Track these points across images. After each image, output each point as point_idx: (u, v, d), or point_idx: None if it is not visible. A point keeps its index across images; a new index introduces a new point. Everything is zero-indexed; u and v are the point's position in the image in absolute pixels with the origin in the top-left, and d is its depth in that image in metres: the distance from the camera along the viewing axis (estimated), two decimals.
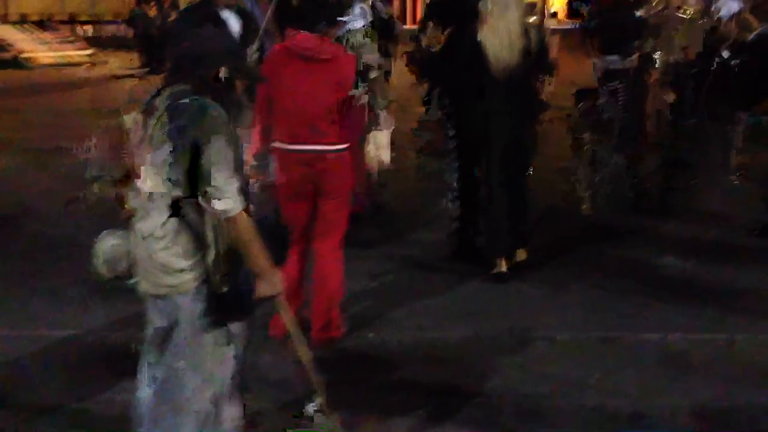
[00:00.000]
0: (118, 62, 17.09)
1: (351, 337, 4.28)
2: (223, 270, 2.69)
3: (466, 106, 5.16)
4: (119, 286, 4.78)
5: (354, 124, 4.63)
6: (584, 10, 23.19)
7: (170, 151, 2.58)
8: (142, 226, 2.71)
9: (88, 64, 18.30)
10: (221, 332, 2.75)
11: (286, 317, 2.96)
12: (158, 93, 2.70)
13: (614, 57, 6.61)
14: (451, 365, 4.04)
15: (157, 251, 2.68)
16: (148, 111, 2.68)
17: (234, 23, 4.61)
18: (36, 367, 3.96)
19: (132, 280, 4.95)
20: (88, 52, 19.59)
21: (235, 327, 2.81)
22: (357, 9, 5.45)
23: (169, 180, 2.60)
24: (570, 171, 6.83)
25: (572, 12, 31.07)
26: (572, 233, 6.02)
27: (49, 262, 5.40)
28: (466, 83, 5.02)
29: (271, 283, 2.75)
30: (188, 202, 2.63)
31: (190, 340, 2.71)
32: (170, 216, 2.63)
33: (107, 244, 5.06)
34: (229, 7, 4.56)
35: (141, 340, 2.89)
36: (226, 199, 2.57)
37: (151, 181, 2.63)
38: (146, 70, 16.05)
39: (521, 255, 5.27)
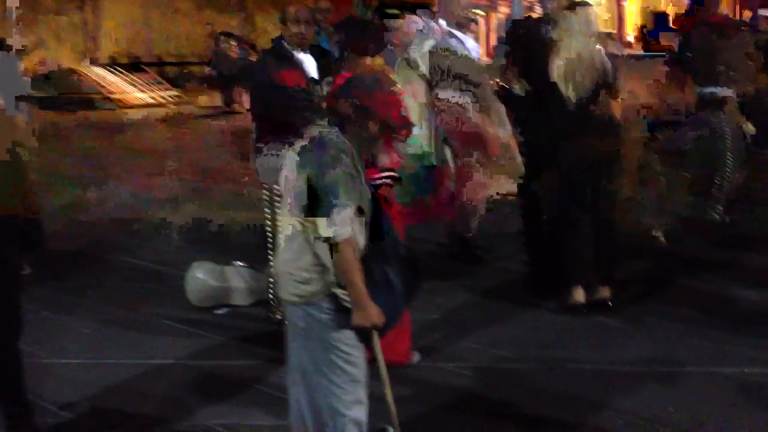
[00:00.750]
0: (202, 102, 17.70)
1: (426, 367, 4.38)
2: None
3: (541, 137, 5.22)
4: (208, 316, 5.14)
5: None
6: (667, 38, 22.77)
7: (297, 177, 2.90)
8: (281, 241, 3.07)
9: (173, 104, 19.02)
10: (346, 336, 2.96)
11: (377, 350, 3.07)
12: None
13: (714, 88, 6.43)
14: (527, 395, 4.10)
15: (287, 262, 2.98)
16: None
17: (310, 61, 4.86)
18: (135, 394, 4.20)
19: (221, 310, 5.26)
20: (173, 93, 20.38)
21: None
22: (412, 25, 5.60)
23: (297, 203, 2.91)
24: (640, 202, 6.78)
25: (646, 40, 30.77)
26: (646, 265, 6.00)
27: (141, 293, 5.67)
28: (541, 116, 5.11)
29: (365, 315, 2.90)
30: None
31: (317, 343, 2.96)
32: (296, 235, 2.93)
33: (195, 276, 5.39)
34: (301, 46, 4.81)
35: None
36: (333, 226, 2.79)
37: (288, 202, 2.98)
38: (226, 108, 16.65)
39: (604, 292, 5.11)
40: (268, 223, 4.83)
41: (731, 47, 6.57)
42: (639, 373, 4.30)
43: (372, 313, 2.91)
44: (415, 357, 4.42)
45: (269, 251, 4.82)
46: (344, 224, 2.80)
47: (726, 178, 6.48)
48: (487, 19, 26.73)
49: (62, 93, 22.00)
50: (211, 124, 15.97)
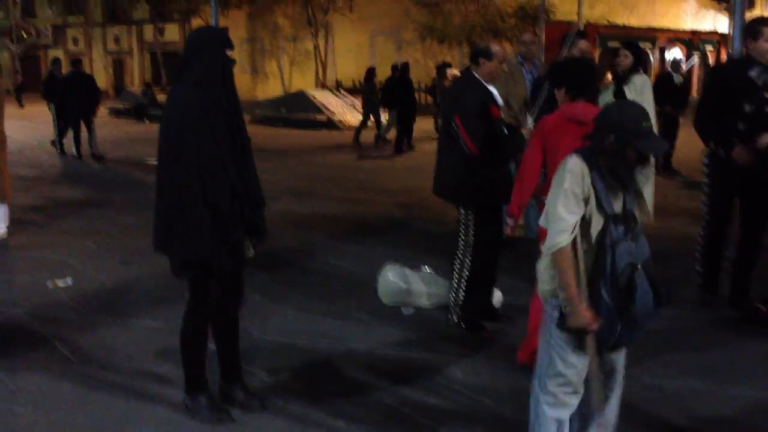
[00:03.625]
0: (418, 126, 18.61)
1: None
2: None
3: None
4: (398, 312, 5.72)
5: None
6: None
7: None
8: None
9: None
10: (569, 338, 3.27)
11: (591, 354, 3.25)
12: None
13: None
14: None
15: (540, 261, 3.37)
16: None
17: (496, 93, 5.34)
18: (322, 372, 4.85)
19: (406, 310, 5.83)
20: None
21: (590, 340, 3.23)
22: None
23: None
24: None
25: None
26: None
27: (340, 291, 6.40)
28: None
29: (578, 318, 3.16)
30: None
31: (550, 337, 3.34)
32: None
33: (386, 278, 6.01)
34: (488, 80, 5.32)
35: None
36: (552, 233, 3.20)
37: None
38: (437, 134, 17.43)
39: None
40: (462, 234, 5.35)
41: None
42: None
43: (584, 316, 3.14)
44: None
45: (457, 260, 5.38)
46: (559, 235, 3.15)
47: None
48: None
49: (291, 113, 23.96)
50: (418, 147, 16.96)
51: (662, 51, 34.75)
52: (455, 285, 5.45)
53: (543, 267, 3.33)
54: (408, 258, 6.69)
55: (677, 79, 12.89)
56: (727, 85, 5.48)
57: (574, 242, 3.16)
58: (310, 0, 34.75)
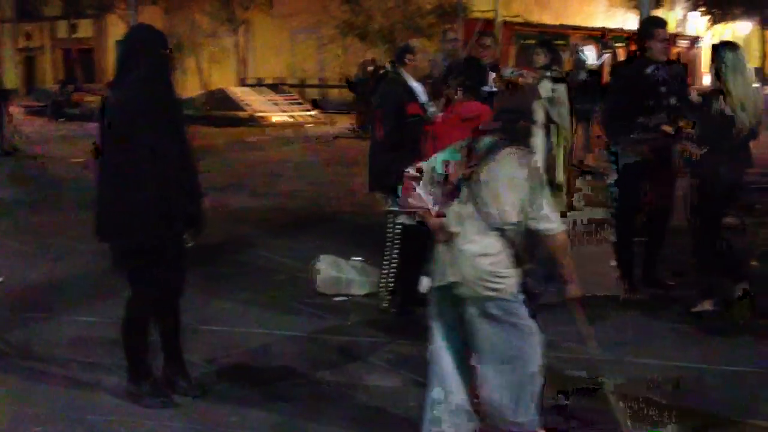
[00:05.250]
0: (340, 123, 18.86)
1: None
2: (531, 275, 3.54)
3: None
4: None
5: None
6: None
7: (515, 188, 3.44)
8: (471, 247, 3.44)
9: (312, 124, 20.27)
10: (533, 324, 3.50)
11: (579, 317, 3.69)
12: (473, 142, 3.53)
13: None
14: None
15: (487, 265, 3.42)
16: (467, 156, 3.50)
17: (419, 89, 5.63)
18: (259, 358, 5.08)
19: (338, 298, 6.07)
20: (312, 113, 21.67)
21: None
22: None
23: (506, 210, 3.41)
24: None
25: None
26: None
27: (274, 282, 6.59)
28: None
29: (576, 288, 3.58)
30: (511, 226, 3.45)
31: (511, 329, 3.45)
32: (499, 237, 3.42)
33: (319, 267, 6.25)
34: (415, 77, 5.60)
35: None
36: (551, 221, 3.49)
37: (484, 211, 3.41)
38: (361, 131, 17.70)
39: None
40: (390, 225, 5.63)
41: None
42: None
43: (578, 286, 3.57)
44: None
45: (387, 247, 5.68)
46: (558, 219, 3.53)
47: None
48: None
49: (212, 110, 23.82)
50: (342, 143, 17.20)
51: (575, 48, 35.84)
52: (385, 272, 5.72)
53: (502, 267, 3.42)
54: (338, 249, 6.93)
55: (582, 76, 13.50)
56: (627, 83, 5.94)
57: None
58: None
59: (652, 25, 6.01)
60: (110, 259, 4.18)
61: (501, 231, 3.42)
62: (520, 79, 6.37)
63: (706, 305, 5.55)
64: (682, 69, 6.56)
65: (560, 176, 7.15)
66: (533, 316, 3.53)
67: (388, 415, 4.17)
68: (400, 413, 4.17)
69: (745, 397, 4.37)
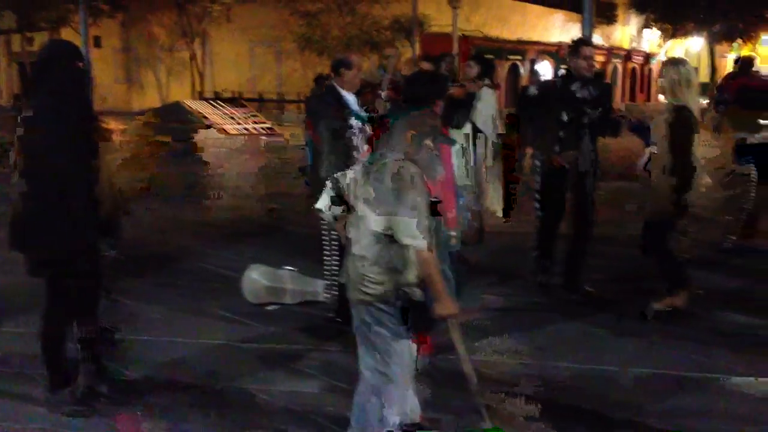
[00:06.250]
0: (291, 134, 18.83)
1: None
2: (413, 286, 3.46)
3: None
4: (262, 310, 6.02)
5: None
6: None
7: (382, 197, 3.44)
8: (354, 249, 3.50)
9: (266, 137, 20.42)
10: (403, 331, 3.50)
11: (456, 336, 3.63)
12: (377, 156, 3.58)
13: None
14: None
15: (361, 267, 3.46)
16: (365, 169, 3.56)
17: (351, 99, 5.75)
18: (182, 365, 5.12)
19: (271, 307, 6.08)
20: (266, 125, 21.83)
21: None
22: None
23: (375, 219, 3.40)
24: None
25: None
26: None
27: (208, 291, 6.64)
28: None
29: (446, 306, 3.47)
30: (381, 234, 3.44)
31: (384, 336, 3.47)
32: (376, 243, 3.43)
33: (250, 277, 6.26)
34: (348, 89, 5.72)
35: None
36: (413, 236, 3.35)
37: (368, 217, 3.44)
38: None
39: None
40: (325, 233, 5.71)
41: None
42: None
43: (451, 305, 3.48)
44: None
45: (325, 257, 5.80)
46: (422, 234, 3.35)
47: None
48: None
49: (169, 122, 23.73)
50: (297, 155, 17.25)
51: (532, 63, 36.37)
52: (328, 283, 5.79)
53: (375, 272, 3.44)
54: (277, 260, 6.97)
55: (532, 91, 13.79)
56: (552, 98, 6.16)
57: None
58: (184, 9, 34.38)
59: (578, 44, 6.25)
60: (26, 269, 4.20)
61: (377, 237, 3.44)
62: (452, 89, 6.52)
63: (677, 301, 5.74)
64: (607, 86, 6.83)
65: (493, 193, 7.36)
66: (424, 328, 3.56)
67: (308, 421, 4.24)
68: (318, 419, 4.25)
69: (647, 397, 4.55)
